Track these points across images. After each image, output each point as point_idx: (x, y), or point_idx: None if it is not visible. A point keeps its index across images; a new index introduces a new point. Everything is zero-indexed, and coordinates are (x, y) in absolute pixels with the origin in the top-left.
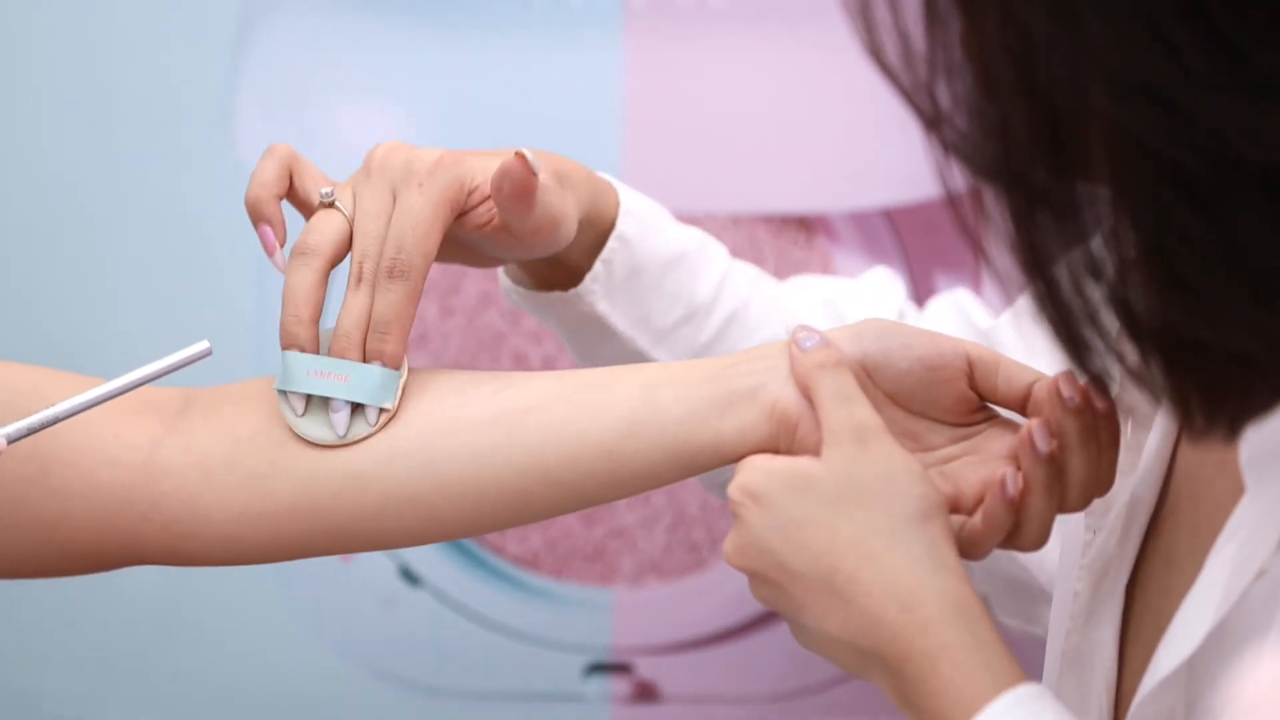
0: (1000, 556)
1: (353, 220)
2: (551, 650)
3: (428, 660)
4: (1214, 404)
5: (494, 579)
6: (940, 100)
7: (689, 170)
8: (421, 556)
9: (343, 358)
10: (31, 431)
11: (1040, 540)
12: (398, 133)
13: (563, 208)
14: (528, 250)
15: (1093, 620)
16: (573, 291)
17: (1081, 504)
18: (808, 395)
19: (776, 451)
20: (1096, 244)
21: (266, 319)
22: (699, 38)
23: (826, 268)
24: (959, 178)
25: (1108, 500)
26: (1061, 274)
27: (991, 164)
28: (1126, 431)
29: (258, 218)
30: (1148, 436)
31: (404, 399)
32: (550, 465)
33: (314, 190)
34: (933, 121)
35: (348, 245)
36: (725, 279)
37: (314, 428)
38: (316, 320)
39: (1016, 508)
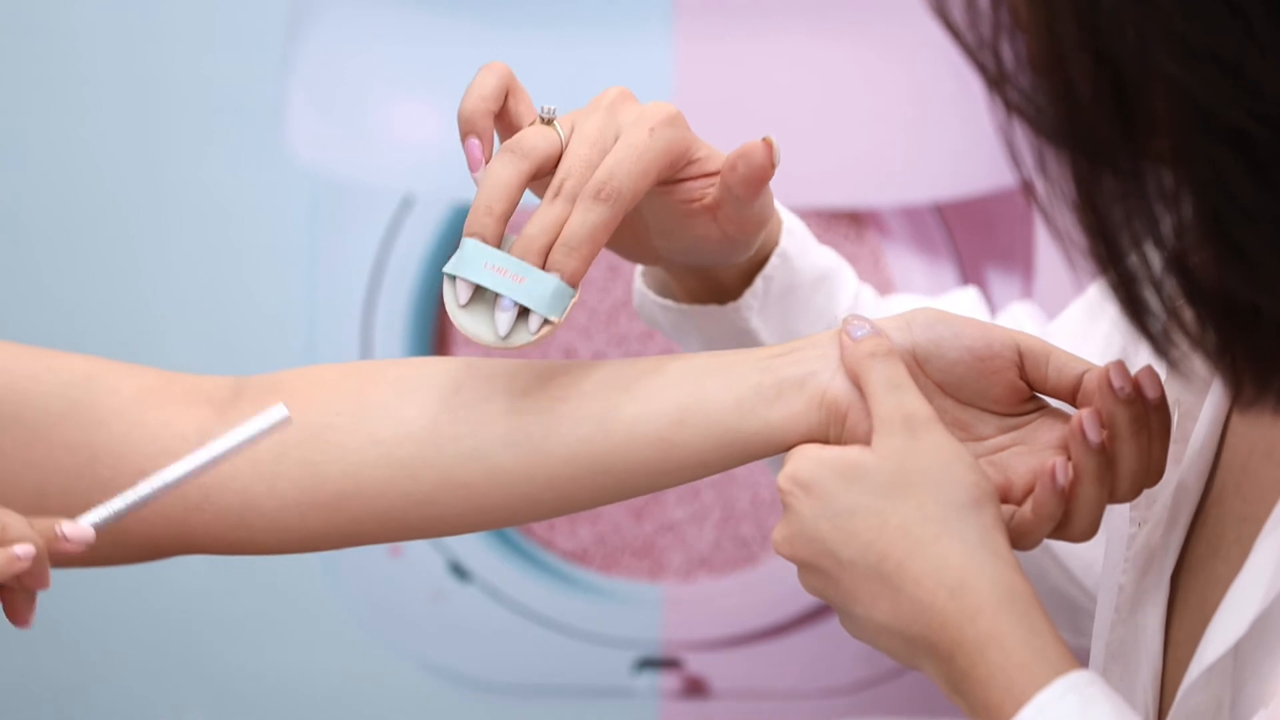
0: (1049, 569)
1: (566, 144)
2: (601, 645)
3: (477, 655)
4: (1266, 373)
5: (543, 574)
6: (1004, 60)
7: None
8: (471, 551)
9: (522, 260)
10: (119, 517)
11: (1090, 530)
12: (447, 128)
13: (768, 217)
14: (714, 250)
15: (1138, 611)
16: (730, 305)
17: (1132, 494)
18: (858, 384)
19: (826, 440)
20: (1159, 206)
21: (317, 315)
22: (748, 33)
23: (877, 262)
24: (1022, 138)
25: (1153, 492)
26: (1123, 236)
27: (1055, 125)
28: (1174, 422)
29: (469, 129)
30: (1194, 427)
31: (456, 388)
32: (600, 453)
33: (526, 114)
34: (996, 82)
35: (555, 161)
36: (858, 297)
37: (474, 324)
38: (507, 217)
39: (1066, 497)
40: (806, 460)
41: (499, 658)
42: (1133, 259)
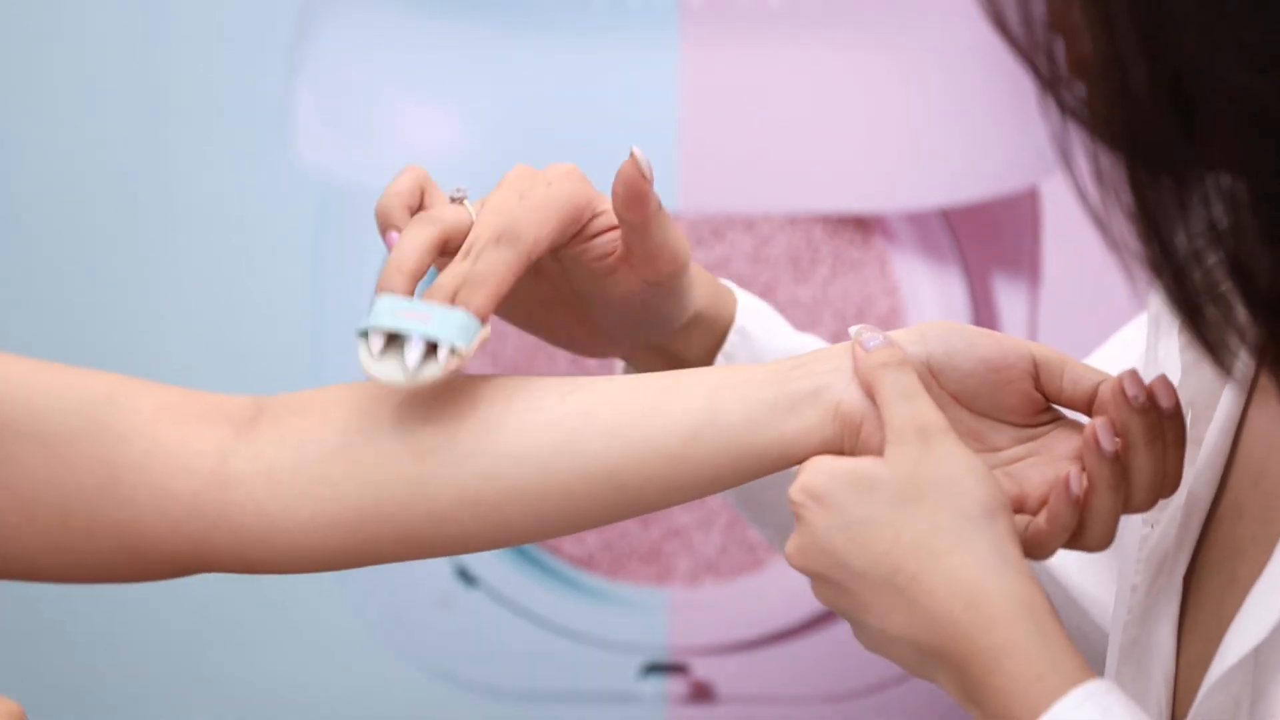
0: (1070, 614)
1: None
2: (607, 650)
3: (483, 660)
4: None
5: (550, 579)
6: (1059, 63)
7: (745, 171)
8: (478, 556)
9: (430, 301)
10: None
11: (1105, 540)
12: (454, 133)
13: (681, 246)
14: (645, 307)
15: (1151, 613)
16: None
17: (1148, 504)
18: (871, 394)
19: (840, 452)
20: (1216, 210)
21: (322, 319)
22: (755, 39)
23: (883, 268)
24: (1076, 143)
25: None
26: (1180, 241)
27: (1111, 129)
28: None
29: (386, 224)
30: (1206, 430)
31: (472, 405)
32: (614, 468)
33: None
34: (1051, 85)
35: (464, 235)
36: None
37: (386, 369)
38: (417, 277)
39: (1081, 507)
40: (819, 472)
41: (505, 663)
42: (1189, 264)
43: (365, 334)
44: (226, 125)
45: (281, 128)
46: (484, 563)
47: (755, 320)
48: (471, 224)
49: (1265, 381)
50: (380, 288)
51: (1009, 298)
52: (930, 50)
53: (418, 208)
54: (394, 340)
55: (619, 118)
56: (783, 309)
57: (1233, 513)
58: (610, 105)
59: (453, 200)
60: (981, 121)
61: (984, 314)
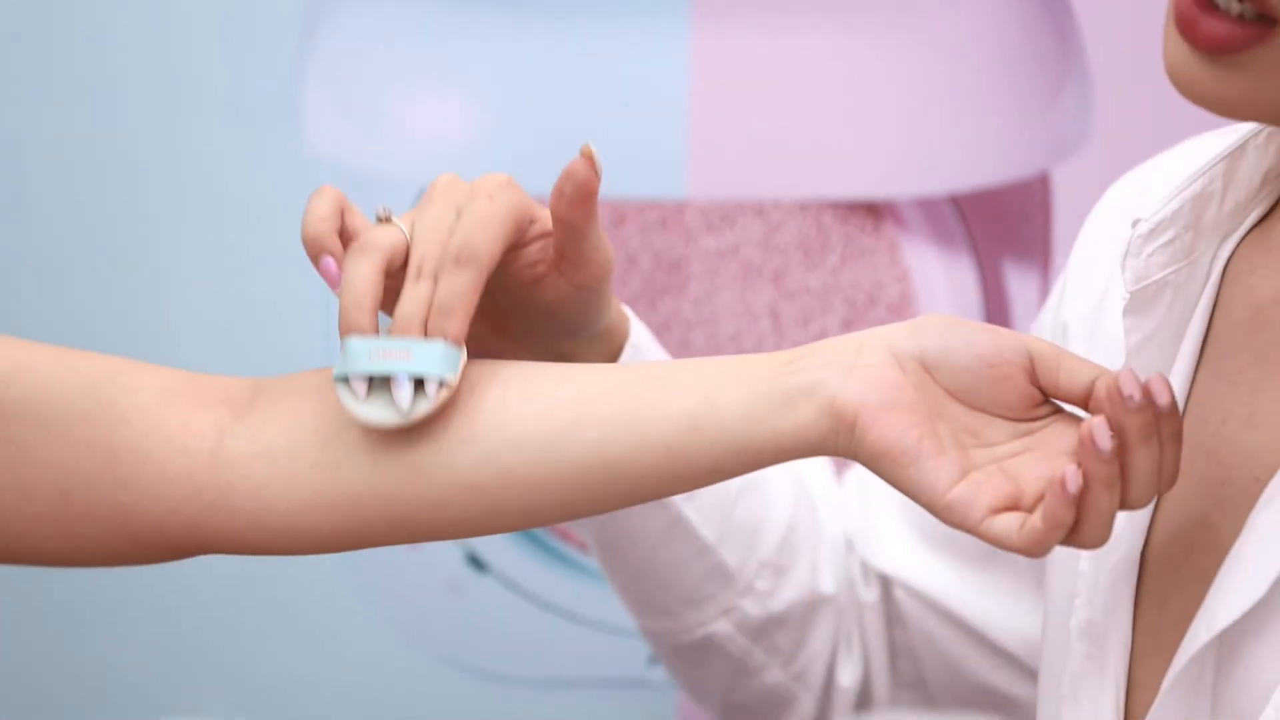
0: (969, 661)
1: (410, 235)
2: (618, 636)
3: (494, 646)
4: None
5: (561, 565)
6: None
7: (756, 157)
8: (488, 542)
9: (404, 336)
10: None
11: (1102, 538)
12: (465, 121)
13: (609, 248)
14: (569, 313)
15: (1104, 590)
16: None
17: (1145, 500)
18: (867, 391)
19: (835, 450)
20: None
21: (333, 310)
22: (765, 25)
23: (894, 254)
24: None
25: None
26: None
27: None
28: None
29: (319, 250)
30: None
31: (469, 390)
32: (609, 459)
33: (365, 227)
34: None
35: (403, 255)
36: None
37: (376, 411)
38: (376, 309)
39: (1077, 505)
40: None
41: (516, 649)
42: None
43: (345, 379)
44: (236, 115)
45: (291, 117)
46: (494, 549)
47: (645, 337)
48: (405, 241)
49: (1213, 353)
50: (345, 330)
51: (1019, 284)
52: (941, 35)
53: (341, 230)
54: (376, 380)
55: (630, 105)
56: (793, 295)
57: (1187, 478)
58: (621, 92)
59: (379, 220)
60: (992, 107)
61: (994, 300)
